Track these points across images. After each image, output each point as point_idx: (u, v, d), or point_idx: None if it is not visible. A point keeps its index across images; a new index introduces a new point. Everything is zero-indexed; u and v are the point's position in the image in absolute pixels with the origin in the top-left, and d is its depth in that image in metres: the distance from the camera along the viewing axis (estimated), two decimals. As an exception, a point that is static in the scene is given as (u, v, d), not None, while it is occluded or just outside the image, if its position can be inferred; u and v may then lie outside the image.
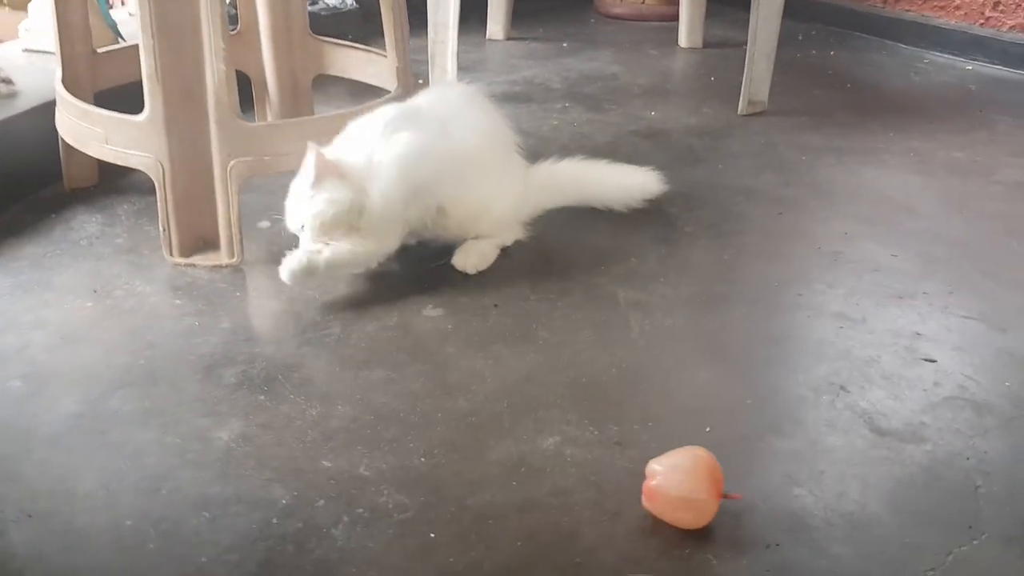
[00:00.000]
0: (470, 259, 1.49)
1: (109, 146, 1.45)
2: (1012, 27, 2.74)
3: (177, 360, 1.25)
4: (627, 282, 1.49)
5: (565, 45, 2.89)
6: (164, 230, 1.47)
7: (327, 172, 1.33)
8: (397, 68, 1.62)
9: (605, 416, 1.16)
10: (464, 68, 2.36)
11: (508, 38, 2.93)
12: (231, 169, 1.43)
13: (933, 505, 1.03)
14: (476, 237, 1.51)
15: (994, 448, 1.13)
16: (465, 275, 1.48)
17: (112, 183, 1.73)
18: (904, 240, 1.66)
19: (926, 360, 1.30)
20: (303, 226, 1.37)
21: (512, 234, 1.56)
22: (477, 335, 1.33)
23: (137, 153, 1.43)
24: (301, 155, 1.45)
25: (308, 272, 1.36)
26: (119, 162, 1.46)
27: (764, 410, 1.19)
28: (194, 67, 1.38)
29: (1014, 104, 2.44)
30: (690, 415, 1.17)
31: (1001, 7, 2.75)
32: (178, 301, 1.40)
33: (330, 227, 1.35)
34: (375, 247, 1.40)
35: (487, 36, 2.92)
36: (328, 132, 1.46)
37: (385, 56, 1.77)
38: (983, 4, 2.79)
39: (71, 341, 1.29)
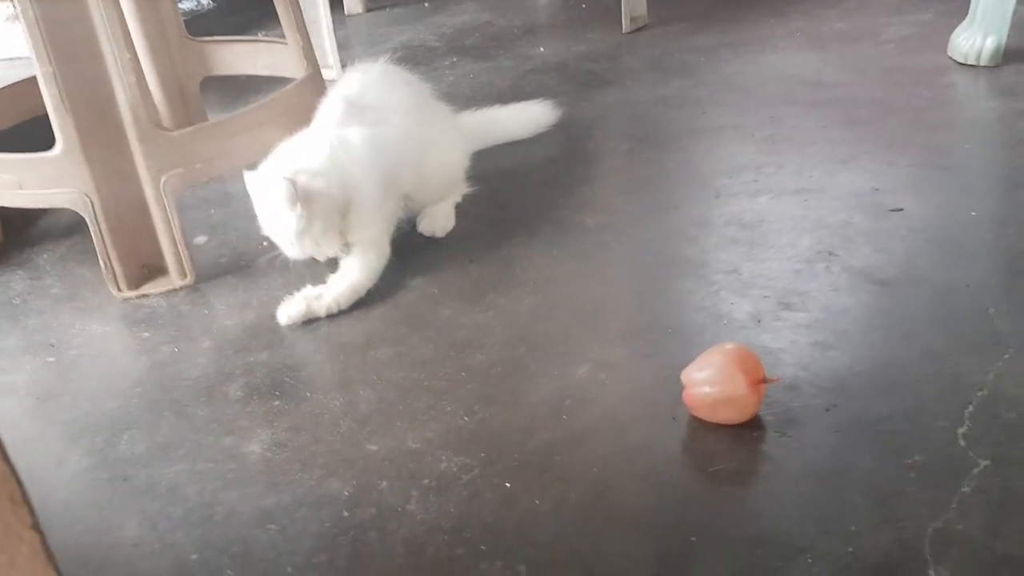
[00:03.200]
0: (437, 222, 1.47)
1: (24, 191, 1.34)
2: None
3: (172, 389, 1.18)
4: (588, 208, 1.49)
5: (427, 5, 2.84)
6: (106, 265, 1.37)
7: (304, 196, 1.26)
8: (303, 48, 1.55)
9: (624, 335, 1.17)
10: (337, 47, 2.29)
11: (368, 10, 2.87)
12: (164, 185, 1.34)
13: (956, 335, 1.08)
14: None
15: (988, 271, 1.19)
16: (434, 239, 1.45)
17: (19, 236, 1.61)
18: (826, 111, 1.72)
19: (893, 211, 1.35)
20: (294, 239, 1.30)
21: (461, 189, 1.54)
22: (467, 292, 1.31)
23: (58, 191, 1.33)
24: (234, 156, 1.39)
25: (308, 317, 1.29)
26: (40, 205, 1.35)
27: (769, 290, 1.21)
28: (102, 85, 1.29)
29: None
30: (702, 313, 1.18)
31: None
32: (146, 334, 1.31)
33: (321, 224, 1.28)
34: (372, 262, 1.34)
35: (346, 12, 2.84)
36: (256, 125, 1.39)
37: (276, 43, 1.70)
38: None
39: (49, 399, 1.20)
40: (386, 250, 1.37)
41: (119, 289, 1.39)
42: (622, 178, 1.59)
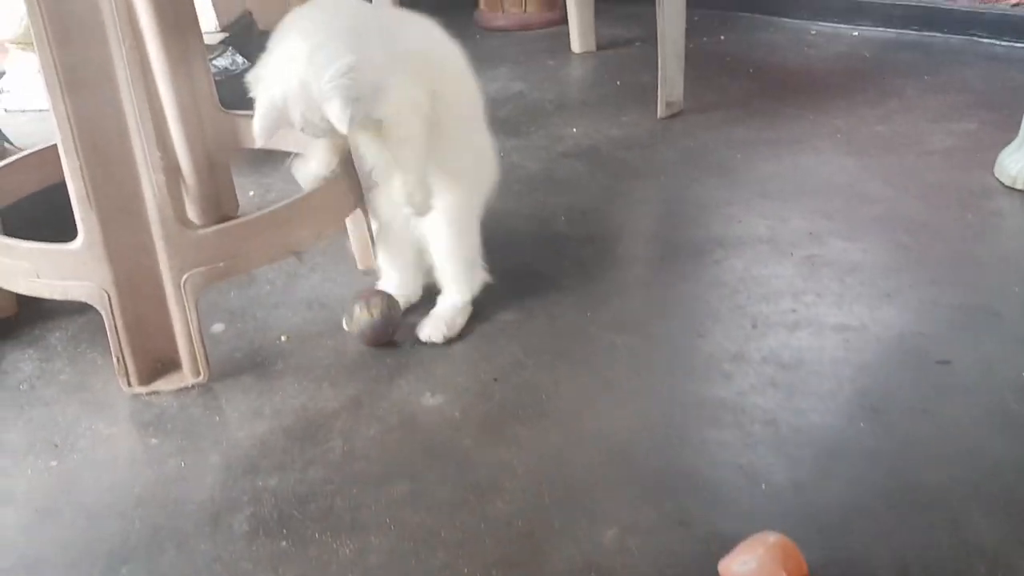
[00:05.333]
0: (432, 324, 1.41)
1: (41, 280, 1.30)
2: (890, -11, 2.81)
3: (175, 514, 1.13)
4: (619, 327, 1.43)
5: (460, 66, 2.80)
6: (118, 360, 1.32)
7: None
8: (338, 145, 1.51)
9: (656, 490, 1.11)
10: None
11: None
12: (185, 283, 1.30)
13: (1010, 524, 1.02)
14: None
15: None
16: (451, 347, 1.40)
17: (35, 308, 1.56)
18: (868, 231, 1.66)
19: (940, 363, 1.30)
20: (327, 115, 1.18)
21: (478, 279, 1.46)
22: (489, 419, 1.26)
23: (76, 283, 1.28)
24: (260, 255, 1.34)
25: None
26: (56, 296, 1.31)
27: (809, 448, 1.15)
28: (129, 181, 1.24)
29: (910, 65, 2.51)
30: (738, 473, 1.13)
31: (876, -29, 2.82)
32: (154, 440, 1.26)
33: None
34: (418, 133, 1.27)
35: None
36: (285, 223, 1.35)
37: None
38: (858, -30, 2.86)
39: (48, 514, 1.15)
40: (425, 133, 1.31)
41: (130, 384, 1.34)
42: (655, 292, 1.54)
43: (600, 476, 1.14)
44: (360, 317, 1.38)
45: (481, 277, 1.47)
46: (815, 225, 1.69)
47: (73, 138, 1.20)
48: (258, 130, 1.23)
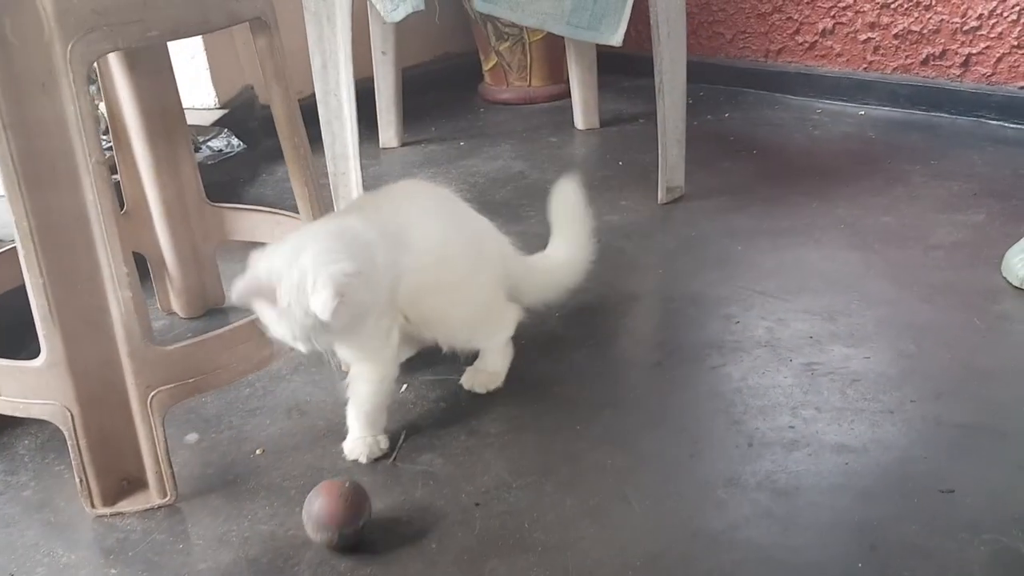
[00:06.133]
0: (478, 378, 1.49)
1: (2, 397, 1.25)
2: (895, 69, 2.79)
3: (129, 658, 1.06)
4: (610, 443, 1.37)
5: (462, 144, 2.79)
6: (81, 481, 1.27)
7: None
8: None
9: (638, 641, 1.04)
10: (367, 189, 2.22)
11: (403, 144, 2.82)
12: (152, 401, 1.25)
13: None
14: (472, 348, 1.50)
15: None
16: (433, 464, 1.34)
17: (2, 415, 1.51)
18: (871, 336, 1.60)
19: (944, 492, 1.22)
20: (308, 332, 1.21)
21: (506, 323, 1.50)
22: (467, 552, 1.19)
23: (38, 403, 1.23)
24: (232, 369, 1.29)
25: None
26: (17, 414, 1.26)
27: (803, 595, 1.08)
28: (95, 297, 1.20)
29: (916, 149, 2.46)
30: (728, 619, 1.05)
31: (881, 51, 2.80)
32: (113, 570, 1.20)
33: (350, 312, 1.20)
34: (383, 352, 1.33)
35: (380, 145, 2.79)
36: (257, 336, 1.30)
37: (292, 217, 1.62)
38: (863, 49, 2.84)
39: (-7, 656, 1.08)
40: (394, 342, 1.36)
41: (93, 505, 1.28)
42: (649, 404, 1.47)
43: (581, 623, 1.07)
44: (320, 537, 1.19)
45: (511, 317, 1.50)
46: (816, 328, 1.63)
47: (36, 253, 1.15)
48: (235, 292, 1.21)
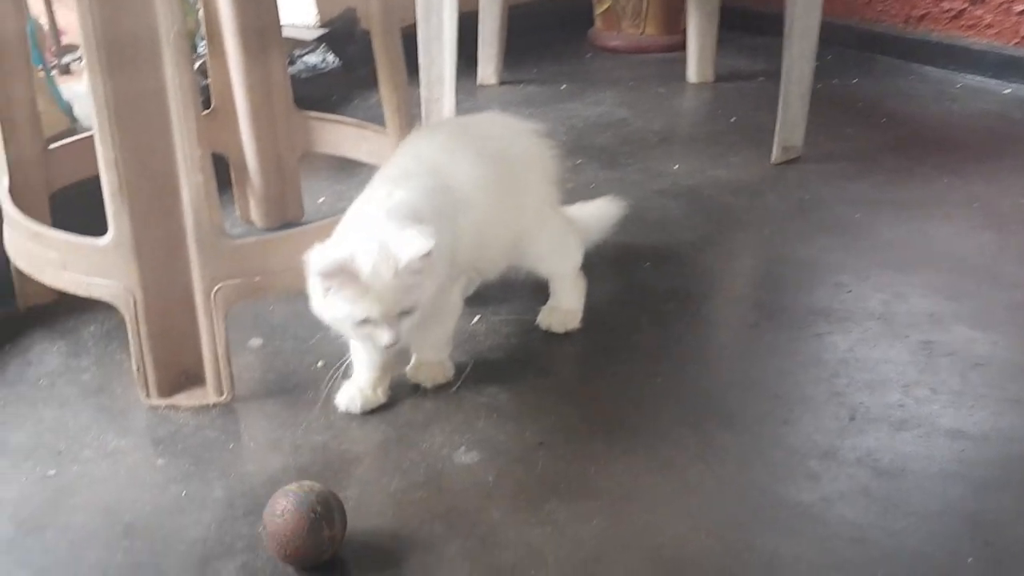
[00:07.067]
0: (555, 317, 1.40)
1: (67, 273, 1.21)
2: (1051, 47, 2.54)
3: (163, 551, 1.01)
4: (692, 399, 1.26)
5: (564, 87, 2.66)
6: (138, 368, 1.22)
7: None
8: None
9: (705, 610, 0.93)
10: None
11: (501, 82, 2.70)
12: (216, 295, 1.19)
13: None
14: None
15: None
16: (498, 398, 1.24)
17: (75, 298, 1.47)
18: (999, 319, 1.43)
19: (1075, 495, 1.07)
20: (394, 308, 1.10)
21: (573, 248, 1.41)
22: (525, 490, 1.10)
23: (102, 282, 1.19)
24: (300, 275, 1.22)
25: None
26: (80, 292, 1.22)
27: (898, 585, 0.95)
28: (166, 179, 1.14)
29: (1067, 133, 2.23)
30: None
31: (1038, 25, 2.55)
32: (160, 460, 1.15)
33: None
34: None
35: (478, 81, 2.68)
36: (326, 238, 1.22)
37: (379, 131, 1.54)
38: (1017, 23, 2.59)
39: (31, 530, 1.05)
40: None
41: (148, 396, 1.24)
42: (741, 364, 1.35)
43: (642, 581, 0.97)
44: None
45: (576, 240, 1.40)
46: (938, 306, 1.47)
47: (110, 127, 1.10)
48: (320, 267, 1.08)
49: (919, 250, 1.66)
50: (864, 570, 0.97)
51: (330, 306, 1.10)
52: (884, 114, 2.38)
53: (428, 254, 1.07)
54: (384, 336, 1.09)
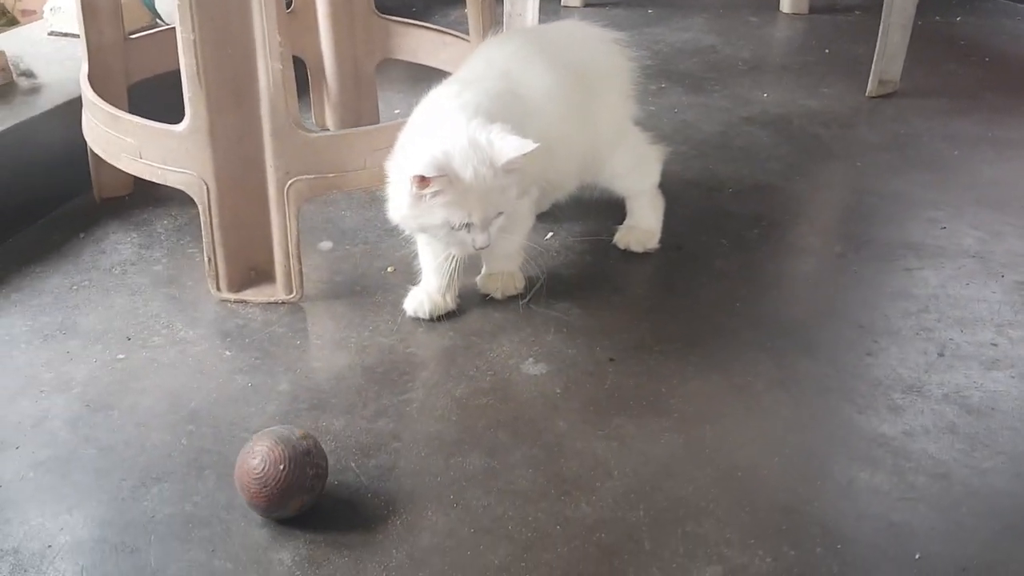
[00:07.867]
0: (633, 235, 1.35)
1: (143, 160, 1.20)
2: None
3: (226, 439, 1.01)
4: (771, 326, 1.20)
5: (650, 11, 2.56)
6: (209, 260, 1.22)
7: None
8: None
9: (778, 532, 0.90)
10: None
11: (585, 4, 2.62)
12: (289, 189, 1.17)
13: None
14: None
15: None
16: (569, 314, 1.21)
17: (150, 191, 1.48)
18: (1107, 265, 1.34)
19: None
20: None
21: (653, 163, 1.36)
22: (593, 403, 1.07)
23: (176, 170, 1.18)
24: (372, 174, 1.19)
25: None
26: (155, 179, 1.21)
27: (986, 528, 0.90)
28: (244, 65, 1.12)
29: None
30: (886, 535, 0.89)
31: None
32: (228, 352, 1.15)
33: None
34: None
35: (562, 2, 2.60)
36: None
37: (462, 39, 1.49)
38: None
39: (98, 409, 1.05)
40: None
41: (218, 289, 1.23)
42: (825, 293, 1.29)
43: (712, 500, 0.93)
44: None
45: (654, 156, 1.35)
46: (1038, 247, 1.38)
47: (190, 7, 1.07)
48: (423, 165, 1.04)
49: (1019, 190, 1.56)
50: (946, 506, 0.93)
51: (423, 212, 1.06)
52: (987, 53, 2.24)
53: (527, 153, 1.03)
54: (480, 238, 1.06)
